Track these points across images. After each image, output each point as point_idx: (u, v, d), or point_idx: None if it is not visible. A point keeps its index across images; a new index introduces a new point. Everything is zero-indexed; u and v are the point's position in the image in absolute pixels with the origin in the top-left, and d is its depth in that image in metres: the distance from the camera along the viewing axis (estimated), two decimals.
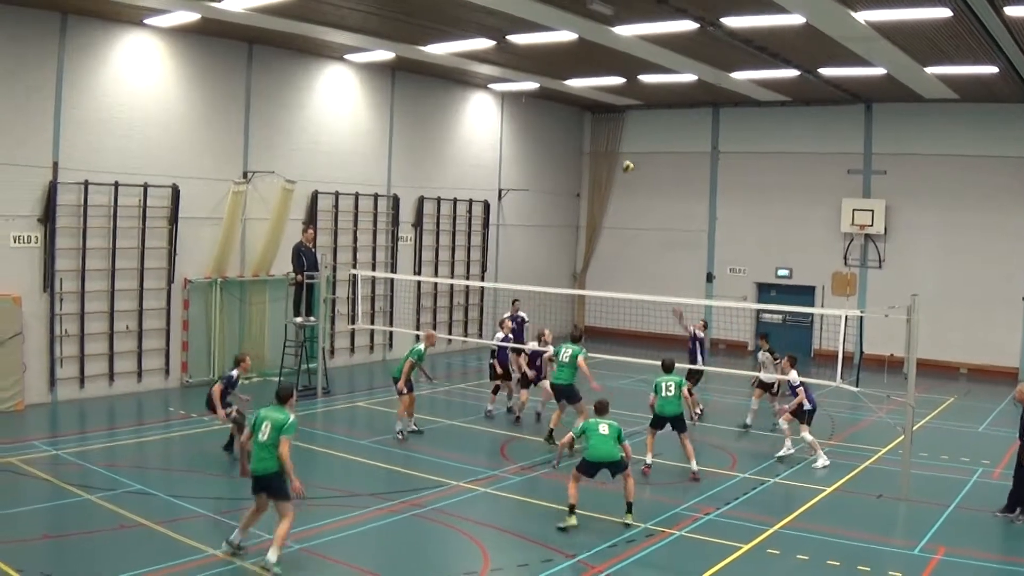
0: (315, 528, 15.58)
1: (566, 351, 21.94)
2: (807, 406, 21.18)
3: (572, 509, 16.22)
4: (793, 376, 21.35)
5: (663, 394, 19.95)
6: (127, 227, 25.39)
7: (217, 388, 19.20)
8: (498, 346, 25.41)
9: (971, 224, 34.53)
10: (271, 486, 13.80)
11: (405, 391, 21.88)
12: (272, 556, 13.28)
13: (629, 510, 16.43)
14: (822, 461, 20.84)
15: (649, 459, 20.02)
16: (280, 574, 13.20)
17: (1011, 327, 33.88)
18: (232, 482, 17.95)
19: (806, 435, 21.02)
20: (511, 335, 25.61)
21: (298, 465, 19.78)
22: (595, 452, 16.49)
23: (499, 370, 25.42)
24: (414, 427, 22.51)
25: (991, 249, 34.18)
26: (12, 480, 17.64)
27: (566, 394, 22.03)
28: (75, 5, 23.32)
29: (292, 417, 14.00)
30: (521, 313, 27.67)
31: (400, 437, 21.85)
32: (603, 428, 16.52)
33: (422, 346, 22.37)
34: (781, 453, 21.39)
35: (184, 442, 21.35)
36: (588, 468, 16.60)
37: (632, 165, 28.50)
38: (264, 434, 13.78)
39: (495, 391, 25.49)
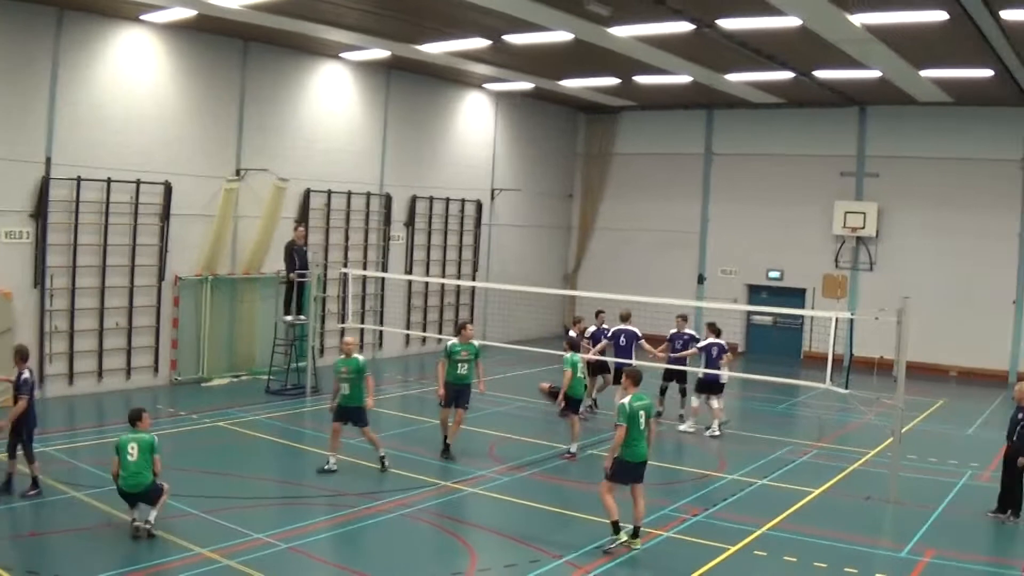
0: (303, 527, 15.62)
1: (463, 350, 20.81)
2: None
3: (617, 525, 15.22)
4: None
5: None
6: (119, 223, 25.35)
7: None
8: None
9: (963, 227, 34.56)
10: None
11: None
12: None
13: (636, 534, 15.38)
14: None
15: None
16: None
17: (1001, 330, 33.98)
18: (224, 480, 18.02)
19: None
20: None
21: (287, 464, 19.90)
22: (637, 450, 15.31)
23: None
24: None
25: (982, 252, 34.22)
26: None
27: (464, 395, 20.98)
28: (71, 0, 23.29)
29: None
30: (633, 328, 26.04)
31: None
32: (642, 417, 15.31)
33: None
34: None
35: (172, 440, 21.33)
36: (627, 472, 15.36)
37: None
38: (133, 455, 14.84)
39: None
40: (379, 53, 30.07)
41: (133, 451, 14.79)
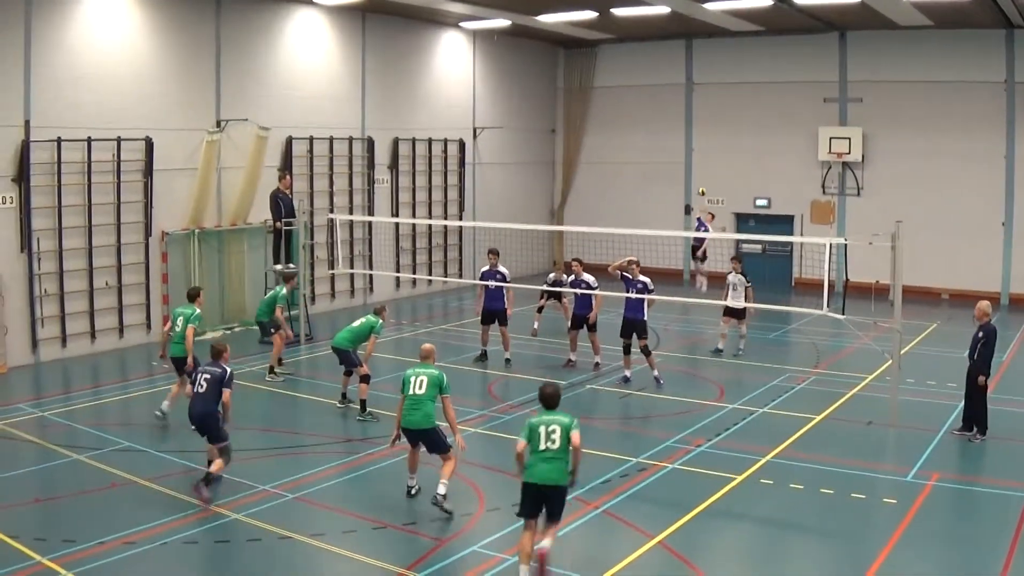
0: (308, 476, 15.59)
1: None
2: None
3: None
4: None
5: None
6: (102, 182, 25.06)
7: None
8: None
9: (949, 150, 34.37)
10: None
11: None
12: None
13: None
14: None
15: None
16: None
17: (991, 251, 33.89)
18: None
19: None
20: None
21: (286, 413, 19.81)
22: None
23: None
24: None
25: (970, 174, 34.09)
26: None
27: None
28: None
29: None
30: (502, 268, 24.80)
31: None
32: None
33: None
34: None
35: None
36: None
37: None
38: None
39: None
40: None
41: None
